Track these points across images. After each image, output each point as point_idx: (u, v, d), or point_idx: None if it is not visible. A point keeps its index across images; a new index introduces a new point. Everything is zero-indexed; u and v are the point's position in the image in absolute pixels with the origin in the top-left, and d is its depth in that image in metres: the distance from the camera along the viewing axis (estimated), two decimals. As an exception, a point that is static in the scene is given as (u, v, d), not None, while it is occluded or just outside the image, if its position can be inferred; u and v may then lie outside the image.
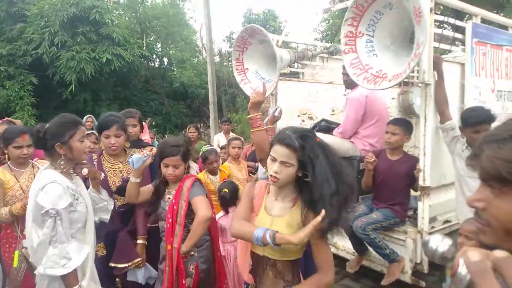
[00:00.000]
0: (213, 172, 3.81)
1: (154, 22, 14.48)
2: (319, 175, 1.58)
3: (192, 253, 2.37)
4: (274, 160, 1.65)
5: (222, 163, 4.25)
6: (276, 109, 2.78)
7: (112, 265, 2.52)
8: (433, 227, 3.04)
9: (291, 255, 1.71)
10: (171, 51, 16.00)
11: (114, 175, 2.66)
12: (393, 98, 5.03)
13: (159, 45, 16.00)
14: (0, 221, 2.57)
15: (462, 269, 0.92)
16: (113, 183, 2.64)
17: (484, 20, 3.33)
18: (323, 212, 1.52)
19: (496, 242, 0.69)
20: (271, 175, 1.65)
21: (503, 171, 0.64)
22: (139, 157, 2.45)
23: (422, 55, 2.52)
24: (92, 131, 4.18)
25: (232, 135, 6.20)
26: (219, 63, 15.97)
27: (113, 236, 2.58)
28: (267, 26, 16.93)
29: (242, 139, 4.87)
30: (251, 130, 2.47)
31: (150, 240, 2.67)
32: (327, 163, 1.60)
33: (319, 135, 3.65)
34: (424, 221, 2.94)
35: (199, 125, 11.37)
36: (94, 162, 2.66)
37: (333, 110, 4.60)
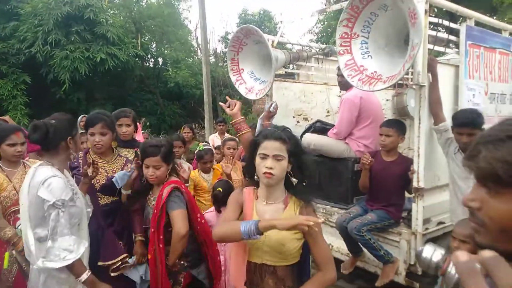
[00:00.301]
0: (206, 171, 3.83)
1: (149, 21, 14.42)
2: (306, 162, 1.71)
3: (182, 262, 2.36)
4: (265, 157, 1.65)
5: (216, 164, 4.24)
6: (271, 104, 2.79)
7: (100, 263, 2.48)
8: (427, 229, 3.05)
9: (291, 258, 1.68)
10: (166, 51, 15.96)
11: (99, 173, 2.62)
12: (387, 100, 5.05)
13: (154, 45, 15.94)
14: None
15: (452, 269, 0.93)
16: (97, 181, 2.61)
17: (477, 23, 3.35)
18: (322, 218, 1.56)
19: (491, 242, 0.69)
20: (265, 173, 1.62)
21: (500, 172, 0.65)
22: (124, 173, 2.46)
23: (416, 57, 2.54)
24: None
25: (227, 135, 6.18)
26: (214, 63, 15.96)
27: (97, 235, 2.55)
28: (263, 27, 16.96)
29: (237, 139, 4.86)
30: (237, 134, 2.51)
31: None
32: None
33: (314, 136, 3.71)
34: (418, 222, 2.95)
35: (193, 126, 11.32)
36: (80, 160, 2.63)
37: (328, 111, 4.61)
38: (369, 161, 3.08)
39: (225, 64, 14.56)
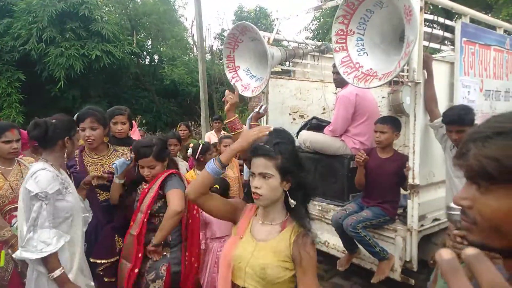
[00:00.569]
0: (201, 167, 3.84)
1: (144, 18, 14.35)
2: (307, 180, 1.51)
3: (165, 253, 2.35)
4: (253, 175, 1.51)
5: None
6: (261, 106, 2.81)
7: (92, 260, 2.49)
8: (422, 225, 3.06)
9: None
10: (161, 48, 15.88)
11: (96, 169, 2.63)
12: (383, 97, 5.06)
13: (150, 42, 15.86)
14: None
15: None
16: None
17: (472, 20, 3.36)
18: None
19: (484, 240, 0.69)
20: (253, 193, 1.49)
21: (490, 168, 0.65)
22: (123, 161, 2.47)
23: (412, 54, 2.54)
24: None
25: (223, 133, 6.17)
26: (210, 60, 15.89)
27: (96, 231, 2.57)
28: (259, 24, 16.92)
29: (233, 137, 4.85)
30: (232, 134, 2.51)
31: None
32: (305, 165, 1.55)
33: (310, 133, 3.71)
34: (414, 219, 2.96)
35: (190, 123, 11.30)
36: (76, 158, 2.63)
37: (324, 109, 4.61)
38: (363, 159, 3.09)
39: (221, 61, 14.53)
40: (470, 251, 0.45)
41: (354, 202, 3.35)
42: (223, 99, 2.59)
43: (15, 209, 2.26)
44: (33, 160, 2.79)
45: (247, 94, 3.26)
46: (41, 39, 10.37)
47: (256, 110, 2.78)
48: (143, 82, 14.82)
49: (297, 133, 3.80)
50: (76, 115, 2.62)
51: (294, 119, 4.35)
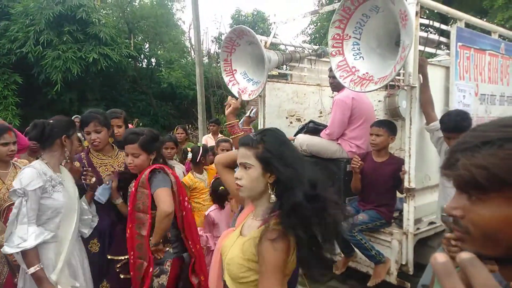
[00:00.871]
0: (200, 170, 3.85)
1: (142, 22, 14.36)
2: (286, 172, 1.34)
3: (167, 249, 2.35)
4: (239, 166, 1.47)
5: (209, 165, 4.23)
6: (251, 110, 2.81)
7: (109, 257, 2.51)
8: (418, 229, 3.07)
9: None
10: (159, 52, 15.88)
11: (106, 170, 2.65)
12: (379, 101, 5.08)
13: (147, 45, 15.86)
14: None
15: None
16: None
17: (468, 25, 3.39)
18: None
19: (476, 249, 0.69)
20: (236, 183, 1.46)
21: (480, 178, 0.65)
22: (103, 188, 2.50)
23: (407, 58, 2.56)
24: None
25: (220, 136, 6.17)
26: (208, 64, 15.92)
27: (110, 231, 2.59)
28: (256, 28, 16.95)
29: (231, 140, 4.85)
30: (231, 137, 2.51)
31: None
32: (294, 157, 1.40)
33: (307, 136, 3.72)
34: (410, 222, 2.98)
35: (187, 126, 11.29)
36: (84, 161, 2.65)
37: (320, 112, 4.62)
38: (358, 164, 3.10)
39: (218, 65, 14.54)
40: (464, 255, 0.45)
41: (351, 205, 3.36)
42: (225, 103, 2.59)
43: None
44: (27, 162, 2.78)
45: (244, 97, 3.27)
46: (38, 42, 10.35)
47: (247, 114, 2.79)
48: (141, 85, 14.81)
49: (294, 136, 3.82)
50: (73, 118, 2.64)
51: (291, 122, 4.36)
